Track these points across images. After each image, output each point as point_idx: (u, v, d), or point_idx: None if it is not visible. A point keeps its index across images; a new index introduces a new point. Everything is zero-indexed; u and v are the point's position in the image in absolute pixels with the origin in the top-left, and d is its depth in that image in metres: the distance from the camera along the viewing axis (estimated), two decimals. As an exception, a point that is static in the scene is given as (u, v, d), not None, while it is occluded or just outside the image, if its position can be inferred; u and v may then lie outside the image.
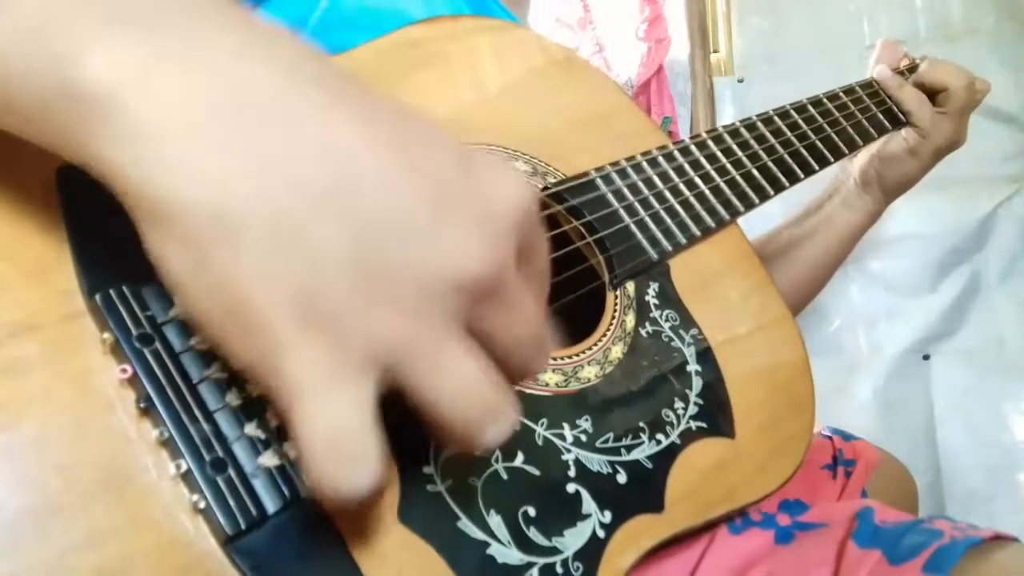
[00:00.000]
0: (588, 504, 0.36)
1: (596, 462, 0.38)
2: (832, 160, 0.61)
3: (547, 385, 0.39)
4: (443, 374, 0.22)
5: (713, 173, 0.53)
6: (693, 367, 0.45)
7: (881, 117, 0.67)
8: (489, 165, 0.24)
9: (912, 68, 0.72)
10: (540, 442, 0.37)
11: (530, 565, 0.33)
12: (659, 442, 0.40)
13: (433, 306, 0.22)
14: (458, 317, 0.23)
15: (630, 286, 0.46)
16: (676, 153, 0.52)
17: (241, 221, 0.20)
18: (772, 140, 0.58)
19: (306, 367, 0.21)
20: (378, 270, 0.21)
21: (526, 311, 0.25)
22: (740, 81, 1.21)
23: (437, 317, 0.22)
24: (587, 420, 0.39)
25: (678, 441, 0.41)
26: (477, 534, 0.32)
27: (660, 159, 0.51)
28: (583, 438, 0.38)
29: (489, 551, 0.32)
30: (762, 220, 0.55)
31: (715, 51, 1.26)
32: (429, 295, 0.22)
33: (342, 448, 0.21)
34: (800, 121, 0.60)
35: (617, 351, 0.43)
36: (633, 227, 0.48)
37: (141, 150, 0.20)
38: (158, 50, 0.21)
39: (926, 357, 1.07)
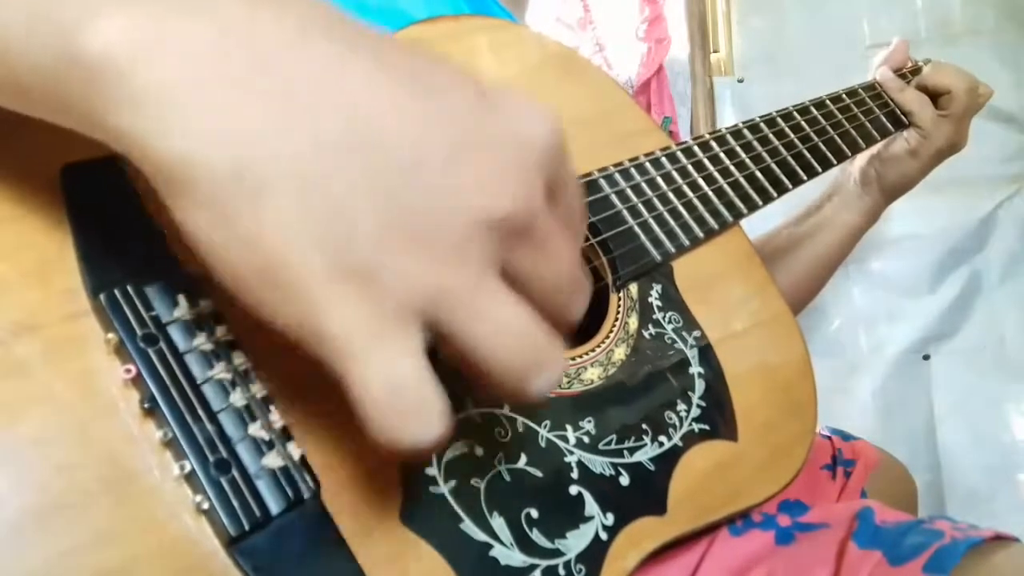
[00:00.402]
0: (591, 506, 0.36)
1: (599, 464, 0.38)
2: (835, 162, 0.61)
3: (550, 386, 0.39)
4: (484, 318, 0.22)
5: (716, 174, 0.53)
6: (696, 369, 0.45)
7: (884, 119, 0.67)
8: (513, 100, 0.23)
9: (916, 70, 0.72)
10: (543, 444, 0.37)
11: (533, 567, 0.33)
12: (662, 444, 0.40)
13: (467, 248, 0.21)
14: (493, 258, 0.22)
15: (633, 288, 0.46)
16: (679, 154, 0.52)
17: (264, 177, 0.20)
18: (775, 142, 0.58)
19: (349, 324, 0.20)
20: (407, 215, 0.21)
21: (560, 251, 0.24)
22: (740, 81, 1.21)
23: (473, 259, 0.21)
24: (590, 422, 0.39)
25: (680, 443, 0.41)
26: (480, 536, 0.32)
27: (663, 160, 0.51)
28: (586, 440, 0.38)
29: (492, 553, 0.32)
30: (762, 220, 0.55)
31: (715, 51, 1.26)
32: (461, 236, 0.21)
33: (403, 402, 0.21)
34: (803, 123, 0.60)
35: (620, 353, 0.43)
36: (637, 229, 0.48)
37: (155, 113, 0.20)
38: (166, 11, 0.21)
39: (926, 357, 1.07)
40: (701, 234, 0.50)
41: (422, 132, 0.21)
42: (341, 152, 0.20)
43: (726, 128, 0.56)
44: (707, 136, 0.55)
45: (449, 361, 0.23)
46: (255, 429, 0.28)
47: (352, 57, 0.21)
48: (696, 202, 0.51)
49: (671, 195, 0.50)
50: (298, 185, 0.20)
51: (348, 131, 0.21)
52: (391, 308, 0.21)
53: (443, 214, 0.21)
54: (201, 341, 0.28)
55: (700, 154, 0.53)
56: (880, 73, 0.70)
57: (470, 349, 0.22)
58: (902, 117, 0.68)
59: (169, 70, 0.20)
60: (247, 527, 0.26)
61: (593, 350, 0.42)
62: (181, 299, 0.28)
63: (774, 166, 0.57)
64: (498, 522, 0.33)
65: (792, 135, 0.59)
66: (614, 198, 0.48)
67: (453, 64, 0.23)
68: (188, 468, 0.26)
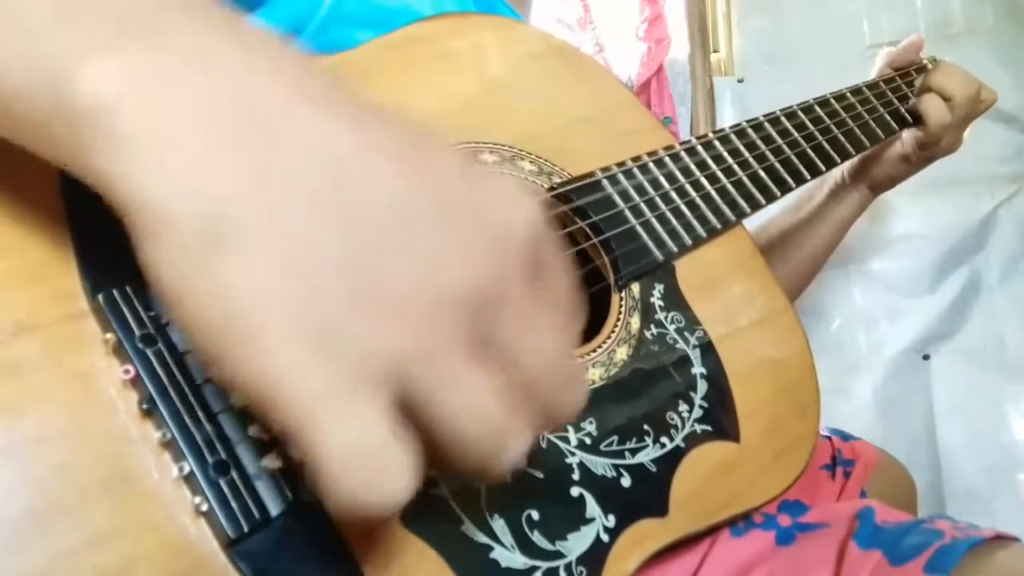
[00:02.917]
0: (592, 508, 0.36)
1: (600, 465, 0.37)
2: (839, 161, 0.61)
3: (551, 387, 0.39)
4: (450, 389, 0.21)
5: (719, 174, 0.53)
6: (698, 369, 0.45)
7: (888, 118, 0.67)
8: (494, 180, 0.23)
9: (920, 69, 0.72)
10: (544, 445, 0.36)
11: (534, 569, 0.33)
12: (663, 445, 0.40)
13: (436, 317, 0.21)
14: (465, 331, 0.22)
15: (635, 287, 0.46)
16: (682, 154, 0.52)
17: (237, 233, 0.20)
18: (779, 141, 0.58)
19: (309, 386, 0.20)
20: (380, 282, 0.21)
21: (542, 335, 0.23)
22: (740, 81, 1.21)
23: (443, 329, 0.21)
24: (591, 423, 0.38)
25: (683, 444, 0.41)
26: (480, 538, 0.32)
27: (666, 160, 0.51)
28: (587, 441, 0.38)
29: (492, 555, 0.32)
30: (757, 214, 0.55)
31: (715, 51, 1.25)
32: (433, 306, 0.21)
33: (368, 465, 0.20)
34: (807, 122, 0.60)
35: (622, 353, 0.43)
36: (639, 228, 0.47)
37: (137, 161, 0.20)
38: (155, 63, 0.21)
39: (926, 357, 1.07)
40: (703, 233, 0.50)
41: (401, 201, 0.21)
42: (318, 213, 0.20)
43: (729, 127, 0.56)
44: (710, 135, 0.55)
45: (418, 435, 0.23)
46: (254, 430, 0.28)
47: (340, 121, 0.22)
48: (698, 200, 0.51)
49: (673, 194, 0.50)
50: (272, 242, 0.20)
51: (327, 194, 0.20)
52: (354, 372, 0.20)
53: (415, 281, 0.21)
54: (200, 342, 0.28)
55: (703, 152, 0.53)
56: (880, 72, 0.70)
57: (434, 419, 0.22)
58: (907, 117, 0.68)
59: (155, 119, 0.20)
60: (246, 529, 0.26)
61: (595, 350, 0.42)
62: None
63: (777, 165, 0.56)
64: (499, 524, 0.33)
65: (796, 134, 0.59)
66: (616, 197, 0.48)
67: (440, 141, 0.23)
68: (187, 469, 0.26)
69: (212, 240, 0.20)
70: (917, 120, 0.69)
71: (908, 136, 0.70)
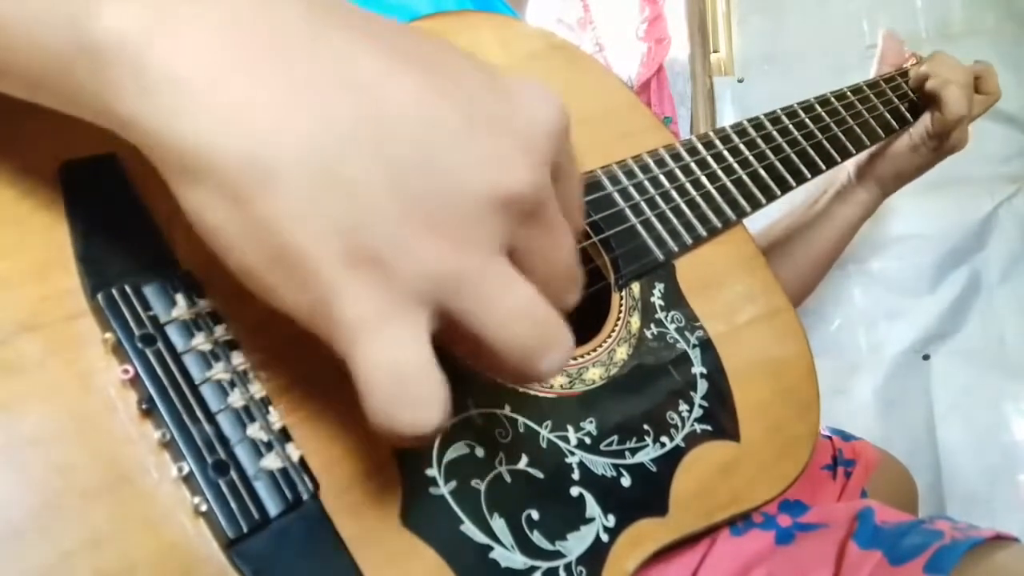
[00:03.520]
0: (592, 507, 0.36)
1: (600, 465, 0.37)
2: (839, 160, 0.61)
3: (551, 387, 0.39)
4: (495, 300, 0.22)
5: (720, 173, 0.53)
6: (698, 369, 0.45)
7: (888, 117, 0.67)
8: (521, 84, 0.23)
9: (919, 64, 0.71)
10: (544, 445, 0.36)
11: (533, 569, 0.33)
12: (663, 445, 0.40)
13: (477, 229, 0.21)
14: (503, 239, 0.22)
15: (635, 287, 0.46)
16: (683, 153, 0.52)
17: (275, 162, 0.20)
18: (779, 139, 0.57)
19: (360, 307, 0.21)
20: (418, 197, 0.21)
21: (563, 237, 0.24)
22: (740, 81, 1.21)
23: (484, 241, 0.22)
24: (591, 422, 0.38)
25: (683, 444, 0.41)
26: (480, 538, 0.32)
27: (666, 158, 0.51)
28: (587, 441, 0.38)
29: (492, 555, 0.32)
30: (758, 214, 0.55)
31: (715, 51, 1.25)
32: (472, 217, 0.21)
33: (405, 388, 0.21)
34: (807, 120, 0.60)
35: (622, 353, 0.43)
36: (639, 227, 0.47)
37: (165, 99, 0.20)
38: None
39: (926, 357, 1.07)
40: (704, 232, 0.50)
41: (434, 114, 0.21)
42: (354, 136, 0.20)
43: (730, 126, 0.56)
44: (711, 134, 0.55)
45: (455, 345, 0.23)
46: (254, 430, 0.28)
47: (363, 42, 0.21)
48: (699, 200, 0.51)
49: (674, 192, 0.50)
50: (311, 170, 0.20)
51: (361, 115, 0.20)
52: (403, 292, 0.21)
53: (456, 194, 0.21)
54: (199, 341, 0.28)
55: (703, 151, 0.53)
56: (878, 72, 0.70)
57: (481, 331, 0.22)
58: (907, 115, 0.68)
59: (181, 56, 0.20)
60: (245, 529, 0.26)
61: (595, 350, 0.42)
62: (179, 298, 0.28)
63: (778, 164, 0.56)
64: (498, 523, 0.33)
65: (796, 132, 0.59)
66: (616, 196, 0.48)
67: (461, 50, 0.24)
68: (186, 470, 0.26)
69: (252, 173, 0.20)
70: (920, 114, 0.69)
71: (918, 128, 0.69)
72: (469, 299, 0.22)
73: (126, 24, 0.20)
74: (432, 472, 0.32)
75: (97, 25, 0.20)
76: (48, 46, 0.21)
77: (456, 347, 0.24)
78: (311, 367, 0.30)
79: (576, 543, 0.34)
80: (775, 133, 0.58)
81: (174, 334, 0.28)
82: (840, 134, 0.62)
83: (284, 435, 0.28)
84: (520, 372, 0.24)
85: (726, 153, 0.54)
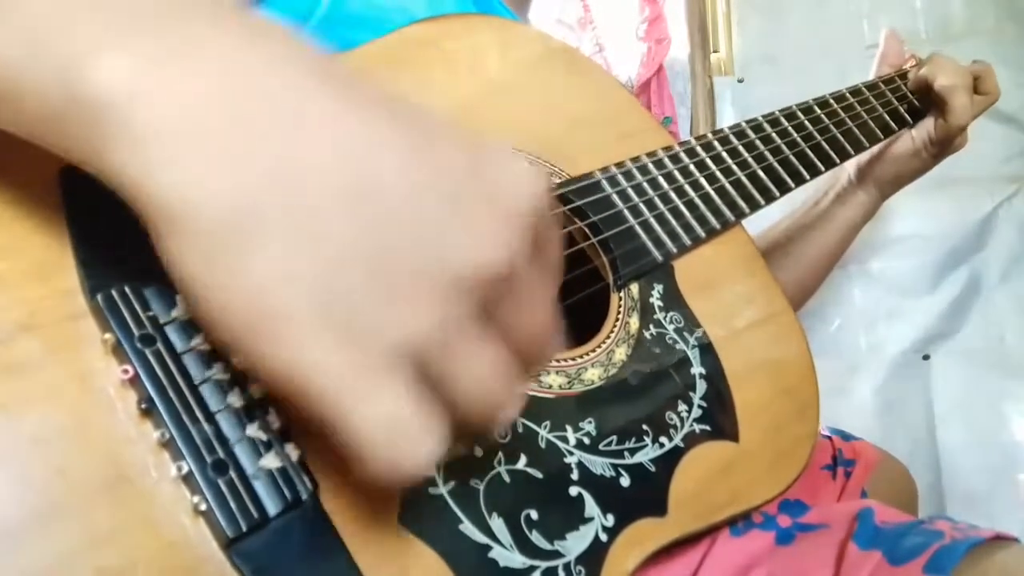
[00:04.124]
0: (591, 507, 0.36)
1: (599, 465, 0.37)
2: (838, 162, 0.61)
3: (550, 387, 0.39)
4: (466, 366, 0.23)
5: (718, 174, 0.53)
6: (697, 369, 0.45)
7: (887, 118, 0.67)
8: (501, 159, 0.24)
9: (919, 66, 0.71)
10: (543, 445, 0.36)
11: (532, 569, 0.33)
12: (662, 445, 0.40)
13: (453, 300, 0.22)
14: (477, 309, 0.23)
15: (634, 288, 0.46)
16: (681, 154, 0.52)
17: (256, 222, 0.20)
18: (778, 141, 0.58)
19: (337, 373, 0.21)
20: (397, 267, 0.21)
21: (538, 304, 0.25)
22: (740, 81, 1.21)
23: (460, 311, 0.22)
24: (590, 423, 0.38)
25: (682, 444, 0.41)
26: (479, 537, 0.32)
27: (665, 160, 0.51)
28: (586, 441, 0.38)
29: (491, 554, 0.32)
30: (759, 216, 0.55)
31: (715, 51, 1.25)
32: (449, 289, 0.22)
33: (402, 438, 0.22)
34: (806, 122, 0.60)
35: (621, 353, 0.43)
36: (638, 228, 0.47)
37: (152, 154, 0.20)
38: (167, 53, 0.21)
39: (926, 357, 1.07)
40: (703, 233, 0.50)
41: (417, 186, 0.22)
42: (336, 201, 0.21)
43: (728, 128, 0.56)
44: (710, 135, 0.55)
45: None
46: (253, 430, 0.28)
47: (351, 108, 0.22)
48: (698, 201, 0.51)
49: (672, 194, 0.50)
50: (290, 232, 0.20)
51: (344, 182, 0.21)
52: (379, 356, 0.21)
53: (433, 267, 0.21)
54: (199, 342, 0.28)
55: (702, 153, 0.53)
56: (878, 73, 0.70)
57: (449, 391, 0.23)
58: (906, 116, 0.68)
59: (170, 111, 0.20)
60: (245, 528, 0.26)
61: (594, 350, 0.42)
62: (179, 299, 0.28)
63: (776, 165, 0.56)
64: (497, 523, 0.33)
65: (795, 134, 0.59)
66: (615, 197, 0.48)
67: (444, 119, 0.24)
68: (186, 469, 0.26)
69: (232, 232, 0.20)
70: (918, 116, 0.69)
71: (920, 133, 0.69)
72: (441, 365, 0.22)
73: (118, 77, 0.20)
74: (431, 472, 0.32)
75: (87, 80, 0.20)
76: (39, 95, 0.21)
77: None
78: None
79: (575, 543, 0.34)
80: (774, 135, 0.58)
81: (173, 335, 0.28)
82: (839, 135, 0.62)
83: (283, 435, 0.28)
84: (478, 424, 0.25)
85: (725, 155, 0.54)
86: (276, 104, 0.21)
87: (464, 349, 0.23)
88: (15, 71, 0.21)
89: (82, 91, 0.20)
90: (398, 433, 0.22)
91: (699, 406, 0.43)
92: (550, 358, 0.28)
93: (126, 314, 0.27)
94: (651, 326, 0.45)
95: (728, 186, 0.53)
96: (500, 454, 0.35)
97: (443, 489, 0.32)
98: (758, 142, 0.57)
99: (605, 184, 0.48)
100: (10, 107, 0.22)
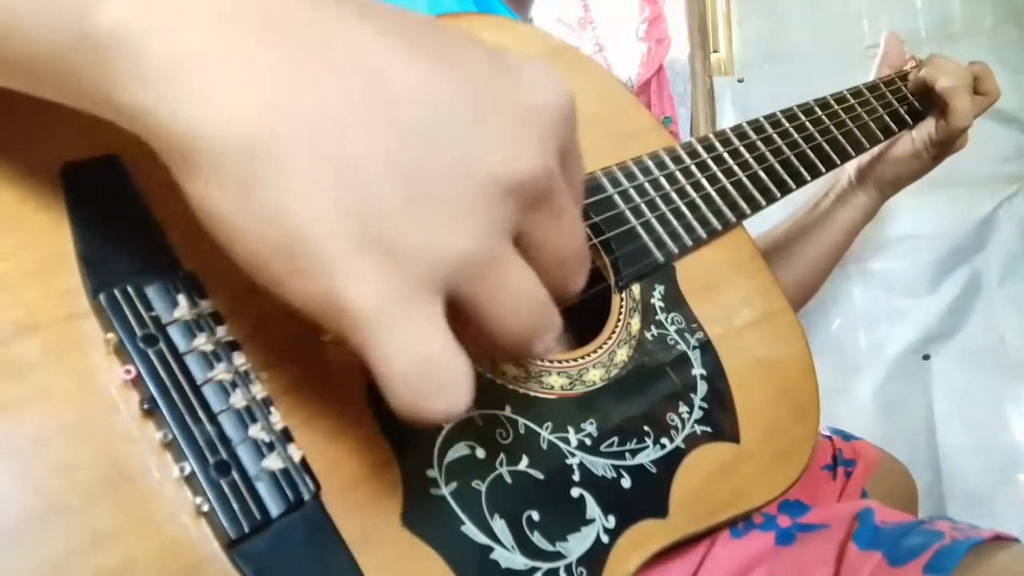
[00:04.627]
0: (592, 509, 0.36)
1: (600, 466, 0.37)
2: (839, 163, 0.61)
3: (552, 388, 0.39)
4: (503, 288, 0.22)
5: (719, 175, 0.53)
6: (698, 370, 0.45)
7: (887, 120, 0.67)
8: (527, 66, 0.23)
9: (919, 68, 0.71)
10: (544, 446, 0.36)
11: (534, 570, 0.33)
12: (664, 446, 0.40)
13: (488, 214, 0.21)
14: (510, 225, 0.22)
15: (635, 288, 0.46)
16: (683, 155, 0.52)
17: (279, 148, 0.19)
18: (778, 142, 0.58)
19: (372, 296, 0.20)
20: (427, 181, 0.20)
21: (570, 219, 0.24)
22: (740, 81, 1.21)
23: (494, 227, 0.21)
24: (592, 424, 0.38)
25: (683, 445, 0.41)
26: (481, 538, 0.32)
27: (667, 161, 0.51)
28: (587, 442, 0.38)
29: (492, 556, 0.32)
30: (760, 218, 0.55)
31: (715, 51, 1.25)
32: (481, 201, 0.21)
33: (432, 377, 0.21)
34: (807, 123, 0.60)
35: (622, 354, 0.43)
36: (639, 229, 0.47)
37: (166, 88, 0.19)
38: None
39: (926, 357, 1.07)
40: (704, 234, 0.50)
41: (441, 96, 0.21)
42: (361, 119, 0.20)
43: (730, 128, 0.56)
44: (711, 136, 0.55)
45: (455, 329, 0.23)
46: (255, 431, 0.28)
47: (368, 23, 0.21)
48: (699, 201, 0.51)
49: (674, 195, 0.50)
50: (318, 155, 0.19)
51: (367, 98, 0.20)
52: (415, 280, 0.20)
53: (463, 177, 0.21)
54: (201, 342, 0.28)
55: (703, 154, 0.53)
56: (878, 74, 0.70)
57: (486, 315, 0.22)
58: (906, 117, 0.68)
59: (181, 43, 0.20)
60: (247, 529, 0.26)
61: (595, 351, 0.42)
62: (181, 299, 0.28)
63: (777, 166, 0.56)
64: (499, 524, 0.33)
65: (796, 135, 0.59)
66: (617, 198, 0.48)
67: (461, 33, 0.23)
68: (188, 470, 0.26)
69: (258, 164, 0.19)
70: (918, 117, 0.69)
71: (921, 134, 0.69)
72: (477, 285, 0.21)
73: (124, 13, 0.20)
74: (433, 473, 0.32)
75: (97, 16, 0.20)
76: (49, 37, 0.21)
77: (456, 330, 0.24)
78: (313, 368, 0.31)
79: (576, 544, 0.34)
80: (774, 136, 0.58)
81: (176, 335, 0.28)
82: (839, 136, 0.62)
83: (286, 436, 0.28)
84: (515, 352, 0.24)
85: (726, 155, 0.54)
86: (289, 29, 0.20)
87: (502, 270, 0.22)
88: (26, 15, 0.21)
89: (92, 29, 0.20)
90: (429, 374, 0.21)
91: (700, 407, 0.43)
92: (582, 286, 0.26)
93: (128, 314, 0.27)
94: (652, 327, 0.45)
95: (729, 186, 0.53)
96: (502, 455, 0.35)
97: (445, 490, 0.32)
98: (759, 143, 0.57)
99: (607, 184, 0.48)
100: (22, 52, 0.21)
